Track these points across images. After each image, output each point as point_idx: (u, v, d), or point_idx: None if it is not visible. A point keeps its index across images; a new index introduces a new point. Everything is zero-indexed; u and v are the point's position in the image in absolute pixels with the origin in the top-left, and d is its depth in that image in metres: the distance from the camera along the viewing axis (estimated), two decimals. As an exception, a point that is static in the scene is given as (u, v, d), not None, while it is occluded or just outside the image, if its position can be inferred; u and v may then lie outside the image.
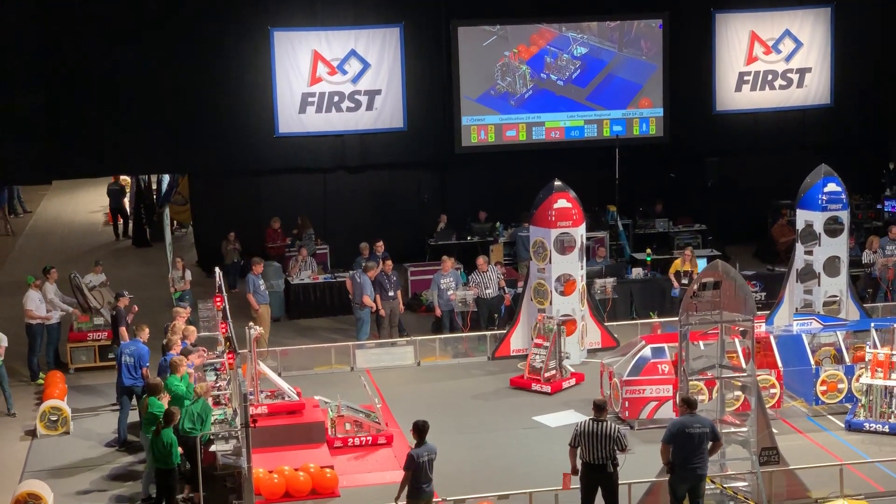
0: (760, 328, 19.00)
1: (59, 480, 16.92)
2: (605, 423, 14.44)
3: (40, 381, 20.93)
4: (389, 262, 23.28)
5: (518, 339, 21.81)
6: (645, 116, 28.87)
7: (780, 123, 29.55)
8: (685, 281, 23.11)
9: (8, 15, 25.61)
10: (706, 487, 14.84)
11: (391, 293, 22.74)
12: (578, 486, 14.57)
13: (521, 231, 26.27)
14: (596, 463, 14.38)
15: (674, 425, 14.48)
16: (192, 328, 18.82)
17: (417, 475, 14.15)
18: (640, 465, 15.37)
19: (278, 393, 18.20)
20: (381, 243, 24.68)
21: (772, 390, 18.59)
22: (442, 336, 22.67)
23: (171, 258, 24.59)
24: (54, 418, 18.85)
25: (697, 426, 14.43)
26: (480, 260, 23.32)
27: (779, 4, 29.15)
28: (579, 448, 14.45)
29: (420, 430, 14.32)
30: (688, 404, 14.59)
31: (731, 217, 29.10)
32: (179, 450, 15.50)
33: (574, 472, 14.53)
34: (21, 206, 37.57)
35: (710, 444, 14.52)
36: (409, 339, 22.40)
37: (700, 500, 14.57)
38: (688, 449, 14.35)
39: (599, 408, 14.66)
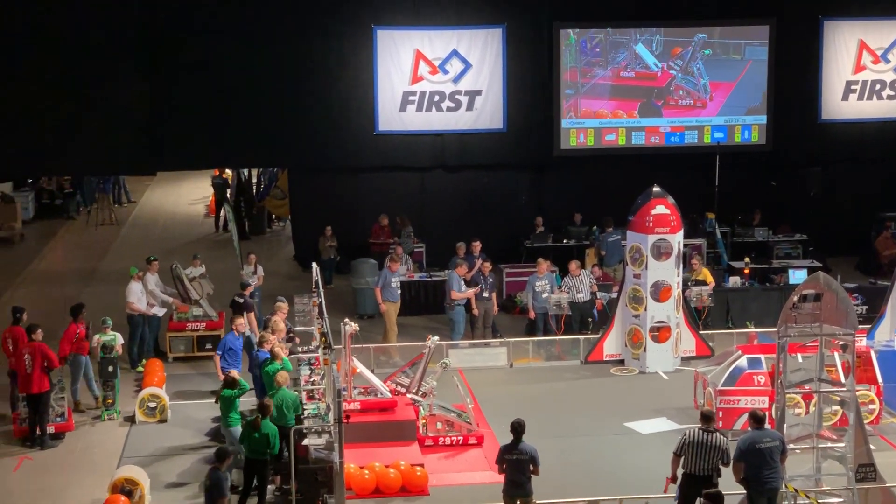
0: (861, 342, 18.66)
1: (156, 467, 17.26)
2: (713, 434, 14.35)
3: (140, 369, 21.36)
4: (488, 264, 23.32)
5: (612, 344, 21.73)
6: (748, 124, 28.52)
7: (887, 134, 28.97)
8: (696, 290, 22.78)
9: (114, 7, 26.13)
10: (800, 502, 14.66)
11: (486, 294, 22.78)
12: (674, 494, 14.47)
13: (609, 236, 26.17)
14: (700, 474, 14.27)
15: (744, 442, 14.35)
16: (282, 325, 19.04)
17: (509, 472, 14.35)
18: (730, 480, 15.19)
19: (371, 389, 18.33)
20: (477, 243, 24.71)
21: (871, 406, 18.25)
22: (535, 338, 22.66)
23: (241, 254, 24.79)
24: (153, 406, 19.21)
25: (768, 440, 14.32)
26: (573, 264, 23.25)
27: (890, 13, 28.58)
28: (682, 457, 14.35)
29: (514, 429, 14.58)
30: (756, 420, 14.49)
31: (833, 228, 28.64)
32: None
33: (673, 479, 14.43)
34: (126, 196, 38.36)
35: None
36: (502, 340, 22.42)
37: None
38: (760, 464, 14.24)
39: (707, 418, 14.59)
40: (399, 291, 22.88)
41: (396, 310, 22.78)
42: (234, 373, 17.43)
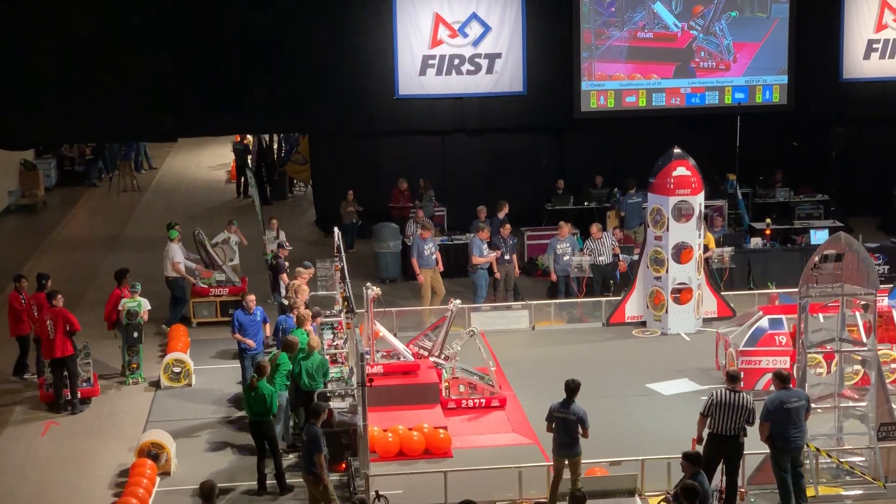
0: (883, 302, 18.61)
1: (182, 431, 17.44)
2: (740, 395, 14.42)
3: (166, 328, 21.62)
4: (508, 226, 23.35)
5: (633, 307, 21.78)
6: (768, 84, 28.34)
7: (909, 93, 28.81)
8: (718, 251, 22.70)
9: (137, -25, 26.20)
10: (822, 461, 14.73)
11: (507, 257, 22.84)
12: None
13: (629, 198, 26.14)
14: (727, 434, 14.36)
15: (771, 402, 14.41)
16: (305, 288, 19.16)
17: (557, 432, 14.57)
18: (756, 438, 15.24)
19: (394, 353, 18.44)
20: (506, 205, 24.66)
21: (892, 365, 18.23)
22: (557, 301, 22.71)
23: (263, 219, 24.90)
24: (177, 370, 19.38)
25: (795, 400, 14.41)
26: (594, 227, 23.25)
27: (911, -30, 28.36)
28: (709, 418, 14.42)
29: (567, 388, 14.76)
30: (781, 379, 14.57)
31: (855, 188, 28.53)
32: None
33: (699, 440, 14.51)
34: (147, 163, 38.47)
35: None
36: (524, 303, 22.47)
37: (800, 469, 14.57)
38: (787, 423, 14.34)
39: (734, 378, 14.68)
40: (434, 256, 22.80)
41: (433, 275, 22.74)
42: (264, 361, 17.17)
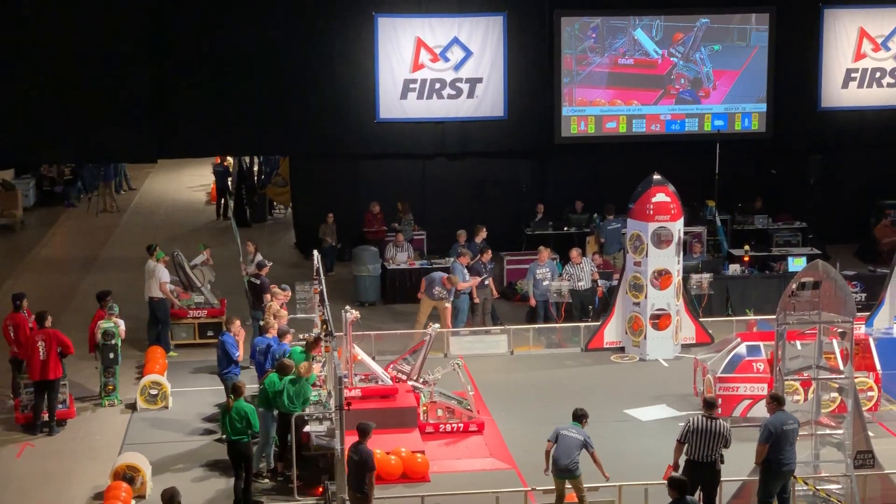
0: (860, 330, 18.73)
1: (158, 453, 17.31)
2: (716, 421, 14.45)
3: (173, 353, 21.54)
4: (489, 252, 23.38)
5: (612, 332, 21.80)
6: (747, 111, 28.53)
7: (887, 122, 28.97)
8: (697, 277, 22.77)
9: (119, -3, 26.22)
10: (798, 489, 14.75)
11: (486, 281, 22.86)
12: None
13: (609, 224, 26.21)
14: (704, 461, 14.37)
15: (772, 424, 14.40)
16: (283, 311, 19.12)
17: (555, 450, 14.77)
18: (733, 464, 15.25)
19: (372, 377, 18.39)
20: (483, 230, 24.69)
21: (869, 393, 18.33)
22: (536, 326, 22.72)
23: (241, 242, 24.84)
24: (154, 393, 19.28)
25: (791, 422, 14.46)
26: (574, 252, 23.30)
27: (890, 1, 28.56)
28: (686, 445, 14.43)
29: (575, 415, 15.09)
30: (778, 401, 14.59)
31: (833, 216, 28.68)
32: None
33: (675, 467, 14.52)
34: (127, 184, 38.38)
35: None
36: (503, 327, 22.47)
37: (787, 496, 14.59)
38: (783, 446, 14.36)
39: (710, 405, 14.70)
40: (438, 297, 22.27)
41: (431, 306, 22.46)
42: (240, 382, 17.04)
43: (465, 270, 22.70)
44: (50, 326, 18.54)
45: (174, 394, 19.53)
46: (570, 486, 14.95)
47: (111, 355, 19.39)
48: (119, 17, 26.13)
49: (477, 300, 22.81)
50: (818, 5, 28.40)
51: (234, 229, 26.07)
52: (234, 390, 15.83)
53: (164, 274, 21.87)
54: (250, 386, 17.85)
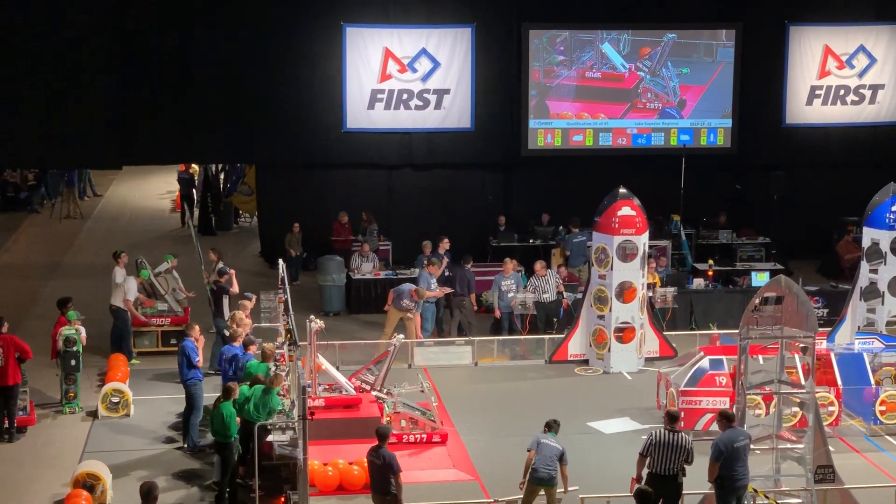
0: (821, 345, 18.86)
1: (119, 462, 17.19)
2: (679, 435, 14.50)
3: (136, 361, 21.42)
4: (446, 260, 23.46)
5: (576, 344, 21.85)
6: (713, 127, 28.72)
7: (851, 139, 29.26)
8: (661, 291, 22.97)
9: (85, 1, 26.03)
10: (759, 502, 14.82)
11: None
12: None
13: (575, 236, 26.28)
14: (666, 474, 14.42)
15: (722, 442, 14.46)
16: (247, 320, 19.06)
17: (536, 459, 14.79)
18: (695, 477, 15.32)
19: (336, 386, 18.35)
20: (446, 241, 24.72)
21: (830, 408, 18.44)
22: (500, 337, 22.74)
23: (201, 250, 24.76)
24: (116, 400, 19.15)
25: (742, 439, 14.53)
26: (538, 265, 23.36)
27: (854, 19, 28.85)
28: (648, 458, 14.48)
29: (548, 424, 15.23)
30: (727, 419, 14.66)
31: (796, 231, 28.86)
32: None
33: (638, 480, 14.55)
34: (91, 190, 38.14)
35: None
36: (467, 338, 22.48)
37: None
38: (735, 463, 14.42)
39: (673, 418, 14.75)
40: (406, 308, 22.23)
41: (399, 317, 22.36)
42: (232, 385, 17.04)
43: (433, 279, 22.73)
44: (7, 332, 18.38)
45: (136, 401, 19.41)
46: (542, 494, 14.95)
47: (73, 362, 19.25)
48: (85, 23, 25.98)
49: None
50: (784, 22, 28.65)
51: (194, 237, 25.95)
52: (224, 392, 15.91)
53: (132, 291, 21.73)
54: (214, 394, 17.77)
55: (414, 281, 23.08)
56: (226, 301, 21.27)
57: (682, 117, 28.49)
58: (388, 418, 18.03)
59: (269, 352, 17.59)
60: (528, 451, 15.04)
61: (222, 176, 35.30)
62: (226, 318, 20.81)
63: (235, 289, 21.66)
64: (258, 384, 16.58)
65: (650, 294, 22.26)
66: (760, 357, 16.66)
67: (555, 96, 28.11)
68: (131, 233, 32.65)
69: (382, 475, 14.52)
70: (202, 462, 17.35)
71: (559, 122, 28.23)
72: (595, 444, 18.19)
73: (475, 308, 23.53)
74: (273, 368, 17.37)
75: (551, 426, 15.27)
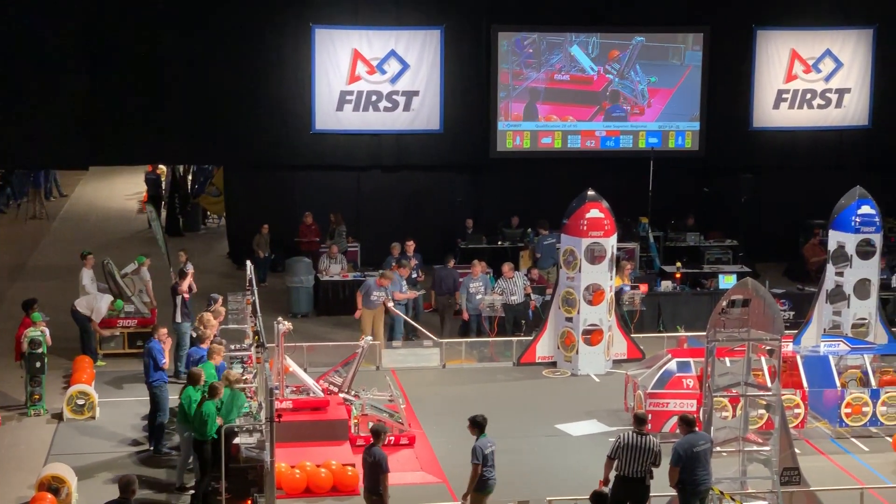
0: (787, 348, 18.96)
1: (84, 465, 17.05)
2: (646, 437, 14.53)
3: (101, 363, 21.30)
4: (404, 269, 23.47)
5: (544, 347, 21.88)
6: (681, 130, 28.84)
7: (817, 143, 29.45)
8: (629, 293, 23.11)
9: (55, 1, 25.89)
10: (725, 504, 14.92)
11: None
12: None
13: (544, 239, 26.31)
14: (634, 476, 14.44)
15: (681, 447, 14.49)
16: (214, 321, 18.96)
17: (485, 469, 14.55)
18: (663, 479, 15.36)
19: (304, 388, 18.30)
20: (411, 242, 24.72)
21: (796, 410, 18.54)
22: (468, 339, 22.74)
23: (167, 251, 24.60)
24: (81, 403, 19.02)
25: (702, 443, 14.57)
26: (506, 267, 23.37)
27: (821, 24, 29.04)
28: (616, 461, 14.50)
29: (479, 424, 14.71)
30: (687, 423, 14.70)
31: (763, 234, 29.04)
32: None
33: (606, 482, 14.57)
34: (57, 190, 37.88)
35: None
36: (435, 340, 22.46)
37: None
38: (696, 467, 14.46)
39: (641, 420, 14.75)
40: (381, 301, 22.12)
41: (376, 315, 22.24)
42: (217, 382, 16.93)
43: (403, 281, 22.73)
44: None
45: (102, 404, 19.28)
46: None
47: (38, 364, 19.11)
48: (53, 21, 25.83)
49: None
50: (751, 26, 28.81)
51: (158, 239, 25.81)
52: (210, 391, 15.87)
53: (103, 308, 21.58)
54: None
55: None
56: (179, 301, 21.08)
57: (650, 120, 28.59)
58: (356, 420, 18.00)
59: (214, 351, 17.43)
60: (475, 464, 14.63)
61: (190, 177, 35.14)
62: (178, 320, 20.75)
63: (184, 287, 21.47)
64: (214, 390, 16.40)
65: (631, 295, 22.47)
66: (727, 359, 16.73)
67: (524, 98, 28.13)
68: (98, 234, 32.44)
69: (373, 473, 14.49)
70: (167, 466, 17.25)
71: (528, 125, 28.27)
72: (563, 447, 18.21)
73: (456, 307, 23.49)
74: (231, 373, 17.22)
75: (482, 427, 14.80)
